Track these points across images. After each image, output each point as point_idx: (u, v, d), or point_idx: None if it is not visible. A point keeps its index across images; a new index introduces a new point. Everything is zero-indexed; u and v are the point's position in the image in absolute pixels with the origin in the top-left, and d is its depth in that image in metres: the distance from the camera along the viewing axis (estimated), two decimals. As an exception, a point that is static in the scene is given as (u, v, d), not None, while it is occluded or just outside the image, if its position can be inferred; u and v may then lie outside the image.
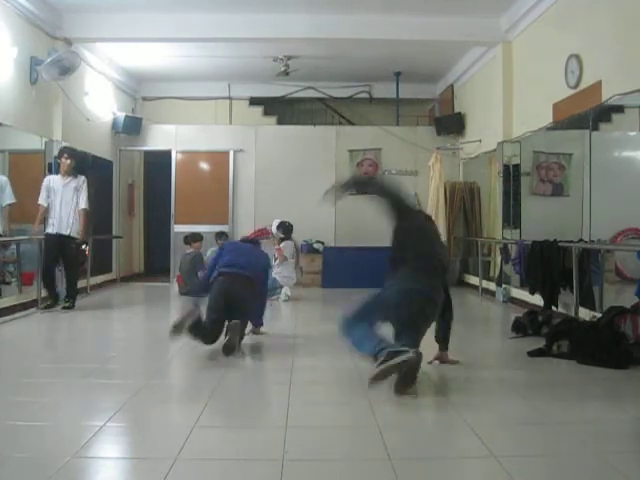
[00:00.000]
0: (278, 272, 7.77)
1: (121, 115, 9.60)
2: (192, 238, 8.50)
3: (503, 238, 7.62)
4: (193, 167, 10.14)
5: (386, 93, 10.56)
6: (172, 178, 9.96)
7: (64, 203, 6.39)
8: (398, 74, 10.08)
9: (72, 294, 6.58)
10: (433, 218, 8.55)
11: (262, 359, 4.58)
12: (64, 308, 6.47)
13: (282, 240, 7.93)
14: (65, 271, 6.56)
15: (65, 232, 6.43)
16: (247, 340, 4.85)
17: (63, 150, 6.53)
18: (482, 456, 2.52)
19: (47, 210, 6.34)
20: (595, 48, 5.60)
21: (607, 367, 3.94)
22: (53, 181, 6.40)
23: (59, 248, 6.44)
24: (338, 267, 9.13)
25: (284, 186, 9.78)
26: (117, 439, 2.81)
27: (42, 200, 6.36)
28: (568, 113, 6.08)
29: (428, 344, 3.97)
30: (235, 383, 3.82)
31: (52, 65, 6.83)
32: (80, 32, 7.58)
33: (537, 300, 6.25)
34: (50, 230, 6.34)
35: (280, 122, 10.90)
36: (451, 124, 9.75)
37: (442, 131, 9.81)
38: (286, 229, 8.01)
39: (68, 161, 6.44)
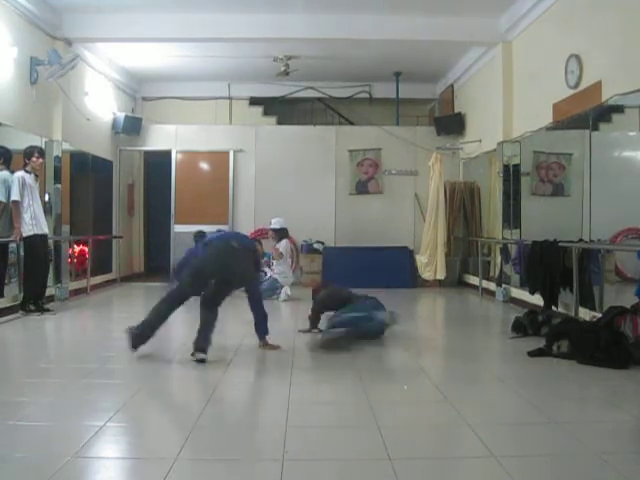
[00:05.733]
0: (278, 272, 7.78)
1: (121, 115, 9.60)
2: (202, 236, 8.52)
3: (503, 238, 7.62)
4: (193, 167, 10.14)
5: (386, 93, 10.57)
6: (172, 178, 9.96)
7: (38, 202, 6.31)
8: (398, 74, 10.09)
9: (42, 295, 6.47)
10: (433, 218, 8.69)
11: (262, 359, 4.57)
12: (39, 311, 6.27)
13: (279, 240, 7.96)
14: (42, 272, 6.42)
15: (45, 231, 6.39)
16: (247, 341, 4.83)
17: (34, 149, 6.40)
18: (482, 456, 2.52)
19: (19, 208, 6.08)
20: (595, 48, 5.60)
21: (607, 367, 3.94)
22: (28, 179, 6.16)
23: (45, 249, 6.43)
24: (338, 267, 9.12)
25: (284, 186, 9.78)
26: (117, 439, 2.81)
27: (18, 196, 6.03)
28: (568, 113, 6.08)
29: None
30: (235, 383, 3.81)
31: (55, 70, 6.86)
32: (80, 32, 7.59)
33: (537, 300, 6.25)
34: (37, 231, 6.18)
35: (280, 122, 10.90)
36: (451, 124, 9.76)
37: (442, 131, 9.81)
38: (278, 233, 8.02)
39: (40, 160, 6.39)
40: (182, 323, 6.83)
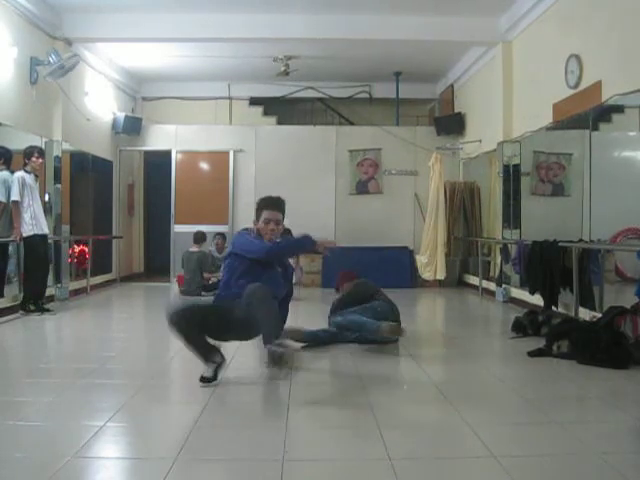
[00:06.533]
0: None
1: (121, 115, 9.60)
2: (203, 237, 8.58)
3: (503, 238, 7.62)
4: (193, 167, 10.14)
5: (386, 93, 10.56)
6: (172, 178, 9.96)
7: (38, 202, 6.28)
8: (398, 74, 10.09)
9: (42, 295, 6.46)
10: (433, 218, 8.66)
11: (262, 359, 4.57)
12: (39, 311, 6.26)
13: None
14: (41, 272, 6.39)
15: (45, 231, 6.38)
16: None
17: (34, 149, 6.39)
18: (482, 456, 2.52)
19: (19, 208, 6.05)
20: (595, 48, 5.60)
21: (607, 367, 3.94)
22: (28, 179, 6.14)
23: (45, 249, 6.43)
24: (338, 267, 9.06)
25: (284, 186, 9.72)
26: (117, 439, 2.81)
27: (18, 196, 6.01)
28: (568, 113, 6.08)
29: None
30: (235, 383, 3.81)
31: (55, 70, 6.87)
32: (80, 32, 7.59)
33: (537, 300, 6.25)
34: (37, 231, 6.16)
35: (280, 122, 10.90)
36: (451, 124, 9.76)
37: (442, 131, 9.81)
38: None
39: (40, 160, 6.38)
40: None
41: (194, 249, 8.43)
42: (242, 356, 4.47)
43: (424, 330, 6.07)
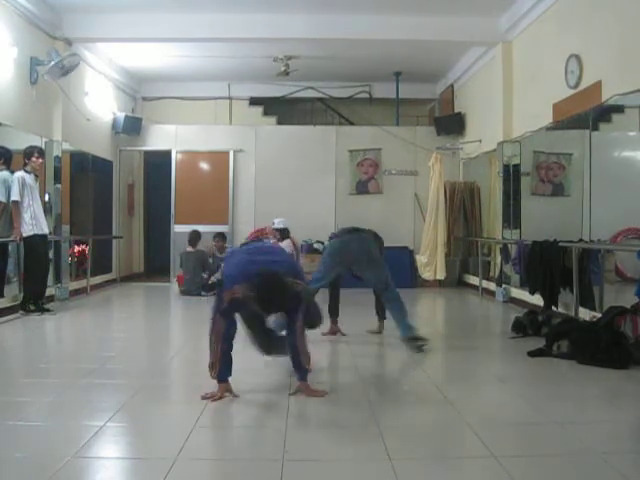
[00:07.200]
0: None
1: (121, 115, 9.60)
2: (198, 237, 8.58)
3: (503, 238, 7.62)
4: (193, 167, 10.14)
5: (386, 93, 10.57)
6: (172, 178, 9.96)
7: (38, 202, 6.27)
8: (398, 74, 10.09)
9: (42, 295, 6.45)
10: (433, 218, 8.64)
11: (262, 359, 4.57)
12: (39, 311, 6.25)
13: (282, 240, 7.95)
14: (41, 272, 6.37)
15: (45, 231, 6.37)
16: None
17: (34, 149, 6.38)
18: (482, 456, 2.52)
19: (19, 208, 6.04)
20: (595, 48, 5.60)
21: (607, 367, 3.94)
22: (28, 179, 6.13)
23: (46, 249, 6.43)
24: (338, 267, 9.09)
25: (284, 186, 9.78)
26: (117, 439, 2.81)
27: (18, 196, 6.00)
28: (568, 113, 6.08)
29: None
30: (235, 383, 3.81)
31: (54, 68, 6.86)
32: (80, 32, 7.59)
33: (537, 300, 6.25)
34: (37, 231, 6.15)
35: (280, 122, 10.90)
36: (451, 124, 9.76)
37: (442, 131, 9.81)
38: (281, 233, 8.03)
39: (40, 160, 6.38)
40: (182, 322, 6.84)
41: (191, 249, 8.44)
42: (242, 357, 4.47)
43: (424, 330, 6.05)
